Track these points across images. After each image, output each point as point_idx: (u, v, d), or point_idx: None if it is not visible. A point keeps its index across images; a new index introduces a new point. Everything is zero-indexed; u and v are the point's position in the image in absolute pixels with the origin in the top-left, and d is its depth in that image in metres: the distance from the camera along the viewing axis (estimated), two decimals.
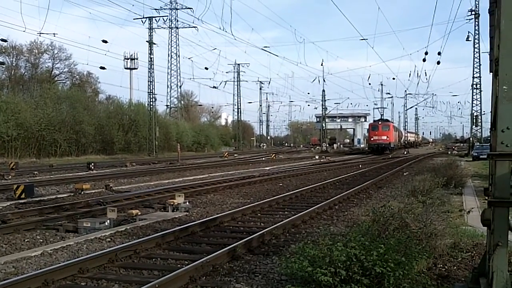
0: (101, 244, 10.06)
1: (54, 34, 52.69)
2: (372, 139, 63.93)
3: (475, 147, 49.34)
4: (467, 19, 55.31)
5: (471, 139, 59.98)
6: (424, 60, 50.50)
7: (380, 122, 65.95)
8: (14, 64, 65.63)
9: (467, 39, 55.56)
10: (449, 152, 60.58)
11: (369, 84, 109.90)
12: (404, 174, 27.78)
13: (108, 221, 11.82)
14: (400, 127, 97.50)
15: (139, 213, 12.98)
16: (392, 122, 72.42)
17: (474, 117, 58.09)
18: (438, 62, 53.29)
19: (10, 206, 15.25)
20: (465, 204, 14.94)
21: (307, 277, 6.01)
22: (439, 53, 50.50)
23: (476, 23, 55.25)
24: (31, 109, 50.25)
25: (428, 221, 8.50)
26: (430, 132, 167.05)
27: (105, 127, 58.81)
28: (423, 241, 7.88)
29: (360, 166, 35.28)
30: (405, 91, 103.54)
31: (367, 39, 49.90)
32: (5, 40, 50.60)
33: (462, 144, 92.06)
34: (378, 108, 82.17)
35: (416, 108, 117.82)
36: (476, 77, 56.99)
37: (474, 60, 56.57)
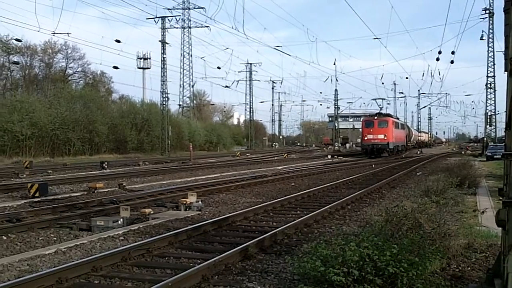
0: (114, 242, 10.11)
1: (68, 34, 52.84)
2: (365, 138, 51.91)
3: (489, 147, 48.91)
4: (481, 18, 54.83)
5: (485, 139, 59.44)
6: (437, 59, 50.29)
7: (376, 117, 52.63)
8: (28, 64, 66.22)
9: (481, 38, 55.10)
10: (463, 152, 60.06)
11: (382, 83, 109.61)
12: (418, 174, 27.61)
13: (121, 219, 11.88)
14: (413, 126, 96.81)
15: (152, 212, 13.04)
16: (394, 117, 59.39)
17: (488, 116, 57.56)
18: (452, 61, 53.00)
19: (24, 205, 15.39)
20: (479, 204, 14.82)
21: (319, 276, 5.99)
22: (453, 52, 50.23)
23: (491, 22, 54.76)
24: (45, 108, 50.69)
25: (442, 221, 8.44)
26: (444, 132, 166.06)
27: (118, 127, 59.11)
28: (436, 241, 7.83)
29: (373, 165, 35.14)
30: (419, 90, 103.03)
31: (380, 38, 49.95)
32: (19, 40, 51.21)
33: (476, 144, 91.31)
34: (375, 99, 62.64)
35: (430, 108, 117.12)
36: (490, 77, 56.52)
37: (488, 59, 56.10)
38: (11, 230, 11.18)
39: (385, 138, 50.45)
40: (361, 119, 63.68)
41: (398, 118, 65.00)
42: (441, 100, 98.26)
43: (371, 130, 51.09)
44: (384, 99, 64.52)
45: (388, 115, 55.64)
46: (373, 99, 64.56)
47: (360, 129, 54.50)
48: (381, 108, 57.80)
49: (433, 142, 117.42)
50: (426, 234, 7.75)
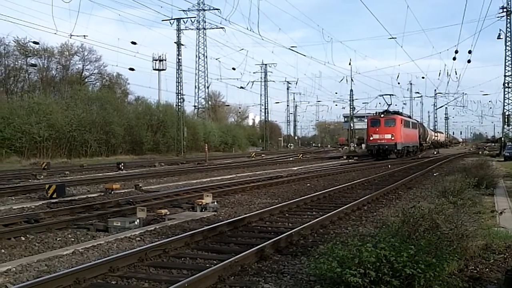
0: (131, 243, 10.18)
1: (84, 36, 53.54)
2: (371, 138, 47.32)
3: (507, 147, 48.35)
4: (498, 17, 54.21)
5: (502, 139, 58.77)
6: (454, 58, 49.95)
7: (382, 115, 47.77)
8: (45, 66, 66.79)
9: (499, 37, 54.45)
10: (480, 152, 59.46)
11: (398, 83, 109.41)
12: (434, 174, 27.40)
13: (138, 220, 11.95)
14: (429, 126, 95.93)
15: (168, 213, 13.10)
16: (404, 115, 53.91)
17: (506, 116, 56.89)
18: (469, 61, 52.77)
19: (42, 206, 15.55)
20: (497, 205, 14.67)
21: (336, 278, 5.97)
22: (469, 52, 49.80)
23: (508, 20, 54.07)
24: (62, 110, 51.18)
25: (459, 222, 8.36)
26: (461, 132, 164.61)
27: (134, 128, 59.50)
28: (454, 242, 7.76)
29: (389, 166, 34.95)
30: (435, 90, 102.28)
31: (396, 37, 48.94)
32: (37, 43, 51.85)
33: (493, 144, 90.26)
34: (383, 95, 54.71)
35: (446, 108, 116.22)
36: (507, 76, 55.82)
37: (505, 59, 55.39)
38: (30, 230, 11.31)
39: (393, 138, 46.10)
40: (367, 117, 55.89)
41: (410, 117, 59.55)
42: (458, 100, 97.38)
43: (377, 129, 46.70)
44: (393, 95, 57.44)
45: (397, 112, 51.07)
46: (380, 95, 56.47)
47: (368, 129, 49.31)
48: (389, 105, 52.13)
49: (449, 142, 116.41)
50: (443, 235, 7.68)
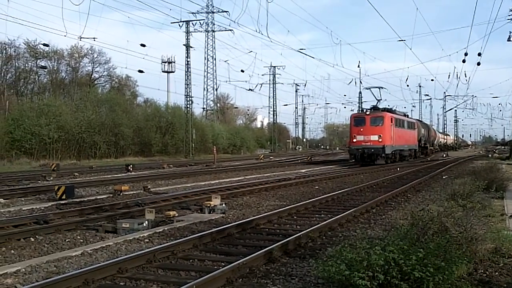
0: (140, 244, 10.20)
1: (94, 38, 53.71)
2: (354, 140, 39.60)
3: None
4: (508, 19, 53.81)
5: None
6: (463, 61, 49.21)
7: (368, 113, 40.14)
8: (55, 68, 67.26)
9: (509, 39, 54.04)
10: (490, 155, 59.09)
11: (407, 85, 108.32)
12: (444, 177, 27.27)
13: (146, 222, 11.98)
14: (438, 129, 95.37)
15: (176, 215, 13.12)
16: (397, 113, 45.36)
17: None
18: (478, 63, 52.04)
19: (51, 207, 15.63)
20: (506, 208, 14.56)
21: (344, 280, 5.96)
22: (479, 54, 49.29)
23: None
24: (72, 112, 51.54)
25: (469, 225, 8.33)
26: (470, 135, 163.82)
27: (143, 130, 59.69)
28: (463, 246, 7.72)
29: (398, 169, 34.80)
30: (444, 92, 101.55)
31: (405, 40, 48.58)
32: (47, 45, 52.02)
33: (503, 147, 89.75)
34: (370, 88, 46.19)
35: (456, 110, 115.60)
36: None
37: None
38: (39, 231, 11.36)
39: (380, 140, 38.57)
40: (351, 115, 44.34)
41: (406, 115, 50.55)
42: (467, 103, 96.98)
43: (362, 129, 39.19)
44: (383, 88, 46.17)
45: (387, 109, 42.91)
46: (367, 88, 47.50)
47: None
48: (378, 101, 44.12)
49: (459, 145, 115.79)
50: (452, 238, 7.65)
